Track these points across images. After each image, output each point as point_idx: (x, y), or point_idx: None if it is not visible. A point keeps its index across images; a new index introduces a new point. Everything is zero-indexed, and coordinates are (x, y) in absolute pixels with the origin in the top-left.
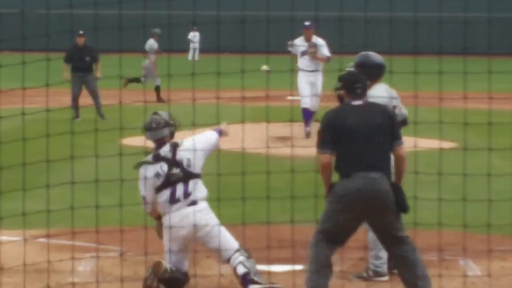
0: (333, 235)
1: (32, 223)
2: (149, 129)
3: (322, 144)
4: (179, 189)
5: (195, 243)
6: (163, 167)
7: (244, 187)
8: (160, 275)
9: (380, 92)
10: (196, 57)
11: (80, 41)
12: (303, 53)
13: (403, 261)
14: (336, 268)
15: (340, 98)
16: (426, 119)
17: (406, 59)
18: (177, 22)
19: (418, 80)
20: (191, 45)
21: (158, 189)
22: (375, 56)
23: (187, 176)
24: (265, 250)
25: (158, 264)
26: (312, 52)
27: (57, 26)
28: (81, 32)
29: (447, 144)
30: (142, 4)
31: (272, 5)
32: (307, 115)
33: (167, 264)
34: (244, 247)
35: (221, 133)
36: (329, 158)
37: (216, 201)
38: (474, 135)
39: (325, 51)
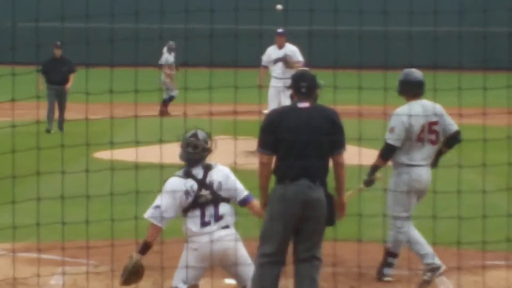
0: (275, 245)
1: (4, 236)
2: (184, 151)
3: (263, 144)
4: (209, 211)
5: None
6: (193, 186)
7: None
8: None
9: (405, 110)
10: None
11: (57, 52)
12: (277, 61)
13: (301, 279)
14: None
15: (291, 97)
16: None
17: (375, 73)
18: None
19: (387, 95)
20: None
21: (186, 210)
22: (416, 73)
23: (217, 199)
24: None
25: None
26: (288, 59)
27: (26, 40)
28: (58, 43)
29: None
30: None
31: (241, 19)
32: None
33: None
34: None
35: (247, 201)
36: (268, 158)
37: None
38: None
39: (299, 56)
